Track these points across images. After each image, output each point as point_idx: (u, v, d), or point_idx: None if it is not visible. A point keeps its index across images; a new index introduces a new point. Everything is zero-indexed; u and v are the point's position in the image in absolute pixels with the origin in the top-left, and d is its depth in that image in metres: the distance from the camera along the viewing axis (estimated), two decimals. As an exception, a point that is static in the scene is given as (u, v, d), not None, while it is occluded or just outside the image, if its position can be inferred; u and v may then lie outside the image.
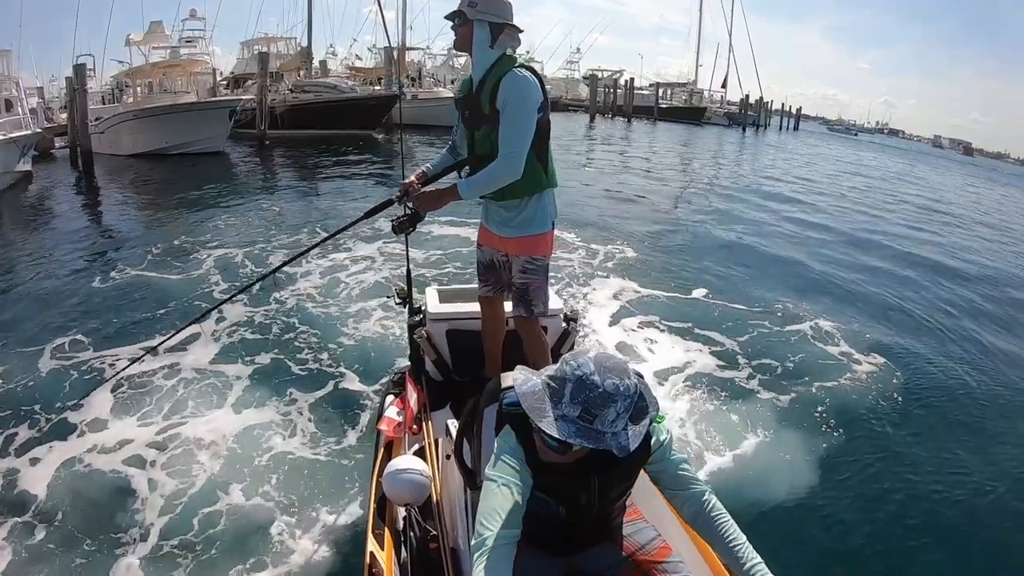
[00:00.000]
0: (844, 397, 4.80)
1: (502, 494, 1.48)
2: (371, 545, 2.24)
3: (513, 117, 2.41)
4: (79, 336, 5.42)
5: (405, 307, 3.37)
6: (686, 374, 5.04)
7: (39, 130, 17.01)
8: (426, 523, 2.19)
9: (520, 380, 1.49)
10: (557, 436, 1.37)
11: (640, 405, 1.41)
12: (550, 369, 1.48)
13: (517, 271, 2.73)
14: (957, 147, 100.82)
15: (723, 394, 4.74)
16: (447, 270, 7.30)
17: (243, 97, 21.68)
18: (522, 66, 2.46)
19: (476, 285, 3.04)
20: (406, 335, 3.40)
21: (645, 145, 30.19)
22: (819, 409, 4.57)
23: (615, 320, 6.12)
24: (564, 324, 3.27)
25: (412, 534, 2.16)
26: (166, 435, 3.98)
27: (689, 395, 4.70)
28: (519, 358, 2.76)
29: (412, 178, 2.78)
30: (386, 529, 2.32)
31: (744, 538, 1.57)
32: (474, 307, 3.12)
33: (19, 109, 17.73)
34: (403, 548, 2.19)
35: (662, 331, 5.87)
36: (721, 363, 5.27)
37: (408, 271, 3.31)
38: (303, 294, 6.48)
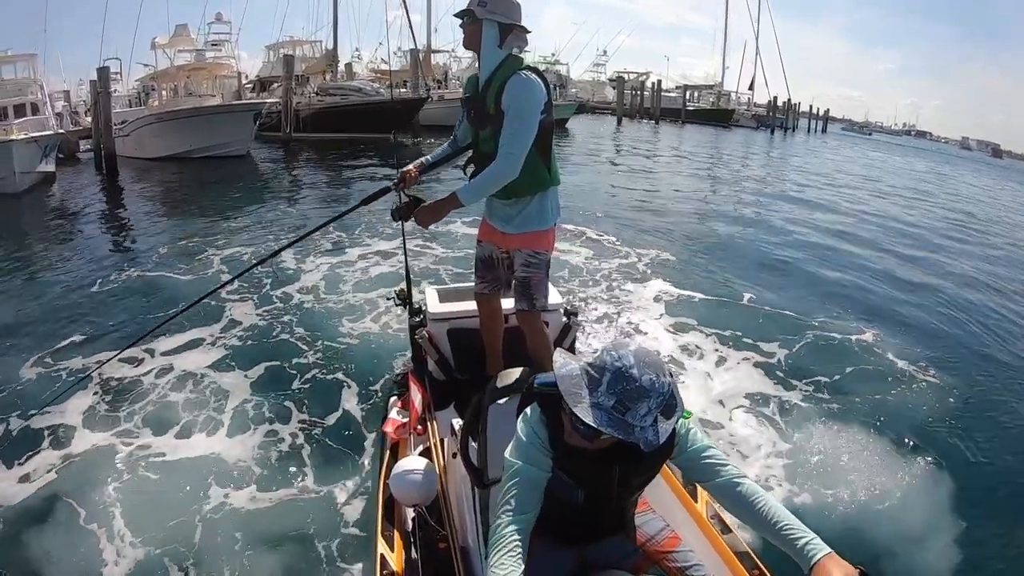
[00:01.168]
0: (899, 415, 4.33)
1: (520, 476, 1.50)
2: (381, 547, 2.23)
3: (516, 118, 2.41)
4: (75, 338, 5.18)
5: (406, 308, 3.34)
6: (735, 383, 4.70)
7: (62, 131, 16.70)
8: (435, 523, 2.16)
9: (559, 363, 1.48)
10: (591, 423, 1.35)
11: (671, 403, 1.40)
12: (589, 356, 1.46)
13: (520, 264, 2.72)
14: (986, 148, 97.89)
15: (772, 404, 4.40)
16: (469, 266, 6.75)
17: (267, 100, 21.16)
18: (527, 67, 2.48)
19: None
20: (407, 336, 3.36)
21: (675, 148, 28.89)
22: (875, 427, 4.12)
23: (659, 325, 5.76)
24: (564, 319, 3.23)
25: (421, 534, 2.14)
26: (157, 440, 3.80)
27: (737, 404, 4.38)
28: (521, 355, 2.79)
29: (411, 167, 2.81)
30: (395, 531, 2.32)
31: (789, 515, 1.45)
32: (474, 305, 3.06)
33: (44, 112, 17.61)
34: (413, 549, 2.17)
35: (706, 336, 5.49)
36: (769, 373, 4.89)
37: (407, 272, 3.28)
38: (308, 293, 6.27)
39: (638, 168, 19.51)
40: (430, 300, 3.31)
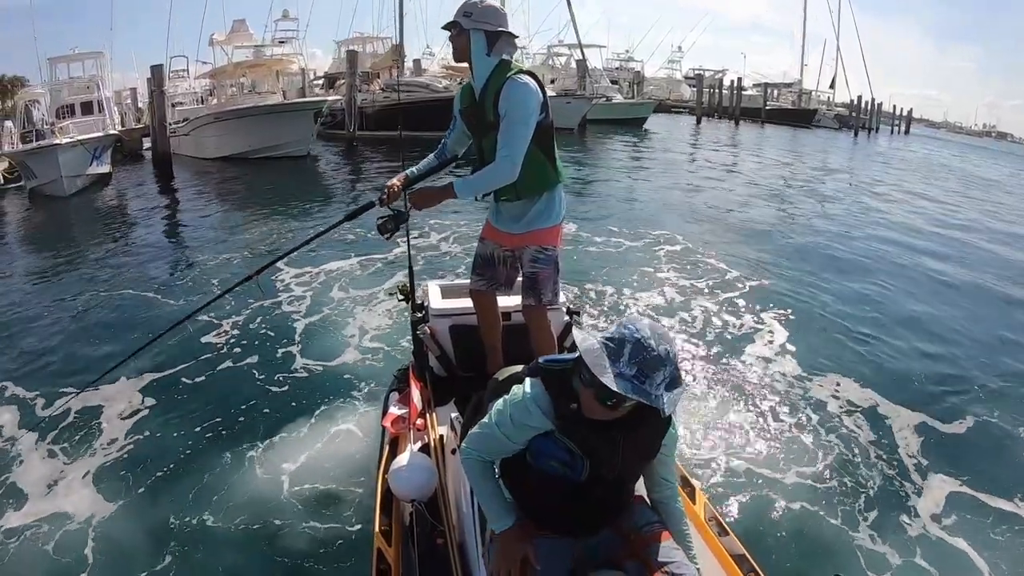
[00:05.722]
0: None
1: (491, 434, 1.58)
2: (378, 542, 2.16)
3: (512, 122, 2.33)
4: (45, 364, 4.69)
5: (408, 304, 3.23)
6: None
7: (114, 132, 15.48)
8: (432, 519, 2.09)
9: (580, 338, 1.48)
10: (618, 391, 1.36)
11: (676, 374, 1.41)
12: (604, 332, 1.46)
13: (528, 261, 2.63)
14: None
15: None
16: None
17: (329, 98, 19.25)
18: (520, 71, 2.39)
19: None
20: (409, 331, 3.19)
21: (764, 153, 25.18)
22: None
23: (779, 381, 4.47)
24: (567, 317, 3.10)
25: (419, 530, 2.08)
26: (154, 435, 3.67)
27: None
28: (523, 352, 2.66)
29: (395, 181, 2.67)
30: (393, 525, 2.24)
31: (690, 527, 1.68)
32: None
33: (105, 111, 16.67)
34: (410, 544, 2.09)
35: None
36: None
37: (410, 268, 3.16)
38: (308, 286, 6.01)
39: (734, 178, 16.42)
40: (433, 296, 3.17)
